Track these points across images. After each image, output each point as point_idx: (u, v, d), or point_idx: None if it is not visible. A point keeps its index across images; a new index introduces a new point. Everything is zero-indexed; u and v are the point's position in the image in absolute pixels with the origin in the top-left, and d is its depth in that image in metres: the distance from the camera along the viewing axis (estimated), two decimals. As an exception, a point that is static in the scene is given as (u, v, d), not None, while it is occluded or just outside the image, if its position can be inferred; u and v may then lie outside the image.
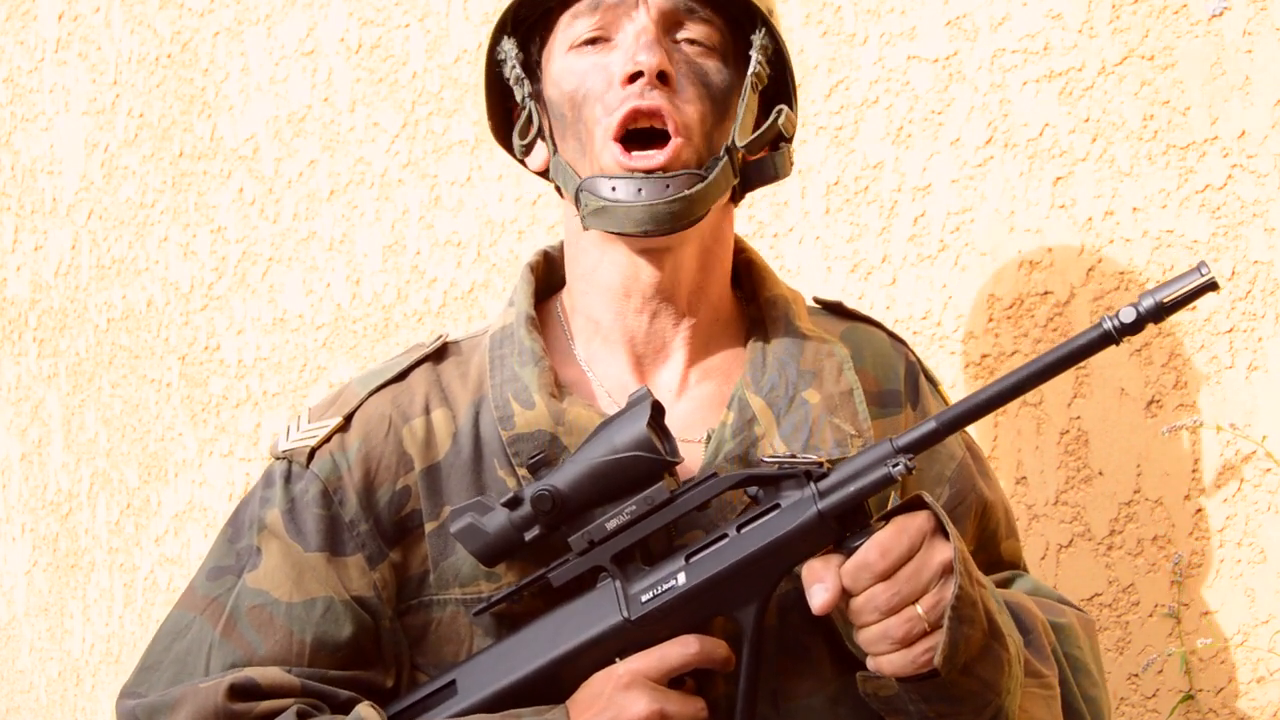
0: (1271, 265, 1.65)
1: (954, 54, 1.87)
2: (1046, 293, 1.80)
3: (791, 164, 1.51)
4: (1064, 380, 1.79)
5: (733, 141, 1.44)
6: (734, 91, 1.46)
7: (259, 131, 2.64)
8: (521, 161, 1.52)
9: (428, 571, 1.43)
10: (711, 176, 1.41)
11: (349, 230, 2.52)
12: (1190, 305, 1.27)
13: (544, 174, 1.51)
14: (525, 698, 1.37)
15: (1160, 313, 1.27)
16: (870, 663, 1.32)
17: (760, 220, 2.03)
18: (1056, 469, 1.80)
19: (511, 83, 1.49)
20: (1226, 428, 1.67)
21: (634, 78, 1.40)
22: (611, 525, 1.37)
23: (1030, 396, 1.82)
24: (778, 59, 1.49)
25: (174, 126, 2.78)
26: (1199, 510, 1.70)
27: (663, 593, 1.36)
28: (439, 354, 1.50)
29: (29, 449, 3.12)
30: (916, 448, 1.32)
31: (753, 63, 1.45)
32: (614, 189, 1.40)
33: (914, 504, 1.33)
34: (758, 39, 1.46)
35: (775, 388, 1.47)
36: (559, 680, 1.37)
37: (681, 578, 1.36)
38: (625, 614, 1.36)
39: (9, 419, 3.16)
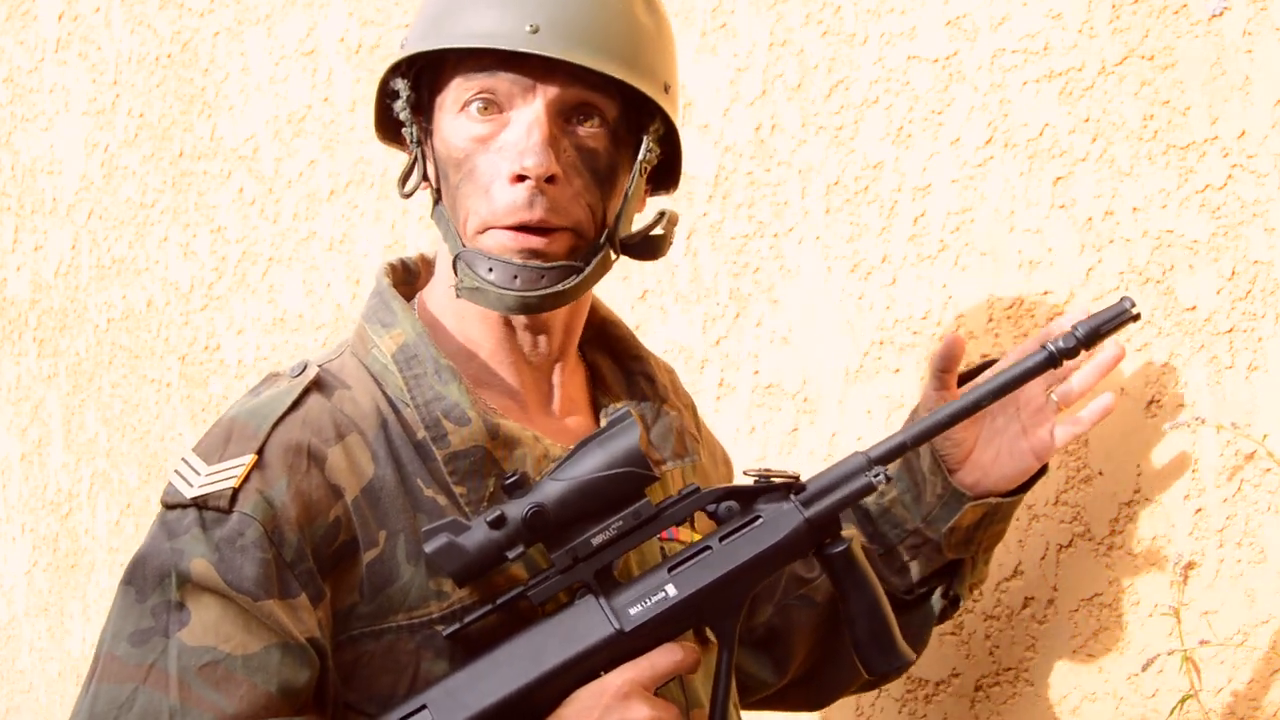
0: (1271, 265, 1.65)
1: (954, 54, 1.87)
2: (1046, 293, 1.80)
3: (671, 243, 1.54)
4: (1064, 380, 1.79)
5: (615, 228, 1.47)
6: (622, 170, 1.48)
7: (259, 131, 2.64)
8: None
9: (355, 604, 1.39)
10: (587, 270, 1.45)
11: (349, 230, 2.52)
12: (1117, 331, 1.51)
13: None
14: (508, 718, 1.36)
15: (1093, 339, 1.49)
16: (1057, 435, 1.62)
17: (760, 220, 2.03)
18: (1056, 469, 1.80)
19: (401, 122, 1.48)
20: (1227, 428, 1.67)
21: (520, 177, 1.41)
22: (597, 541, 1.38)
23: (1030, 396, 1.83)
24: (669, 136, 1.51)
25: (174, 126, 2.78)
26: (1199, 510, 1.70)
27: (653, 604, 1.39)
28: (320, 383, 1.45)
29: (29, 449, 3.12)
30: (888, 459, 1.45)
31: (643, 150, 1.48)
32: (490, 270, 1.42)
33: None
34: (652, 127, 1.48)
35: (646, 400, 1.57)
36: (537, 699, 1.36)
37: (671, 589, 1.39)
38: (618, 625, 1.37)
39: (9, 419, 3.16)
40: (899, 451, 1.45)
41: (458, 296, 1.45)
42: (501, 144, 1.42)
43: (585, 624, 1.37)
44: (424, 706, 1.36)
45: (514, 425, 1.46)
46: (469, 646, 1.39)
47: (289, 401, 1.42)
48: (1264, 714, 1.66)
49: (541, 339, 1.51)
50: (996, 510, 1.65)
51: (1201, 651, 1.69)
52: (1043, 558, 1.81)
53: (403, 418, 1.45)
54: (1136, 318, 1.51)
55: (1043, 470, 1.67)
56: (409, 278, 1.57)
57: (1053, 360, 1.48)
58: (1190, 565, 1.71)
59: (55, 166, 3.01)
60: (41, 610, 3.09)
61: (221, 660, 1.33)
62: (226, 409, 1.46)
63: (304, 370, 1.46)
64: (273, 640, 1.34)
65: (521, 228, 1.42)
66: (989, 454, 1.65)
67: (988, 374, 1.60)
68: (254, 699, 1.32)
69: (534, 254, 1.42)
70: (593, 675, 1.37)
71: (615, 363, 1.61)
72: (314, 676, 1.36)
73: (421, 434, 1.44)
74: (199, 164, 2.74)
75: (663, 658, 1.38)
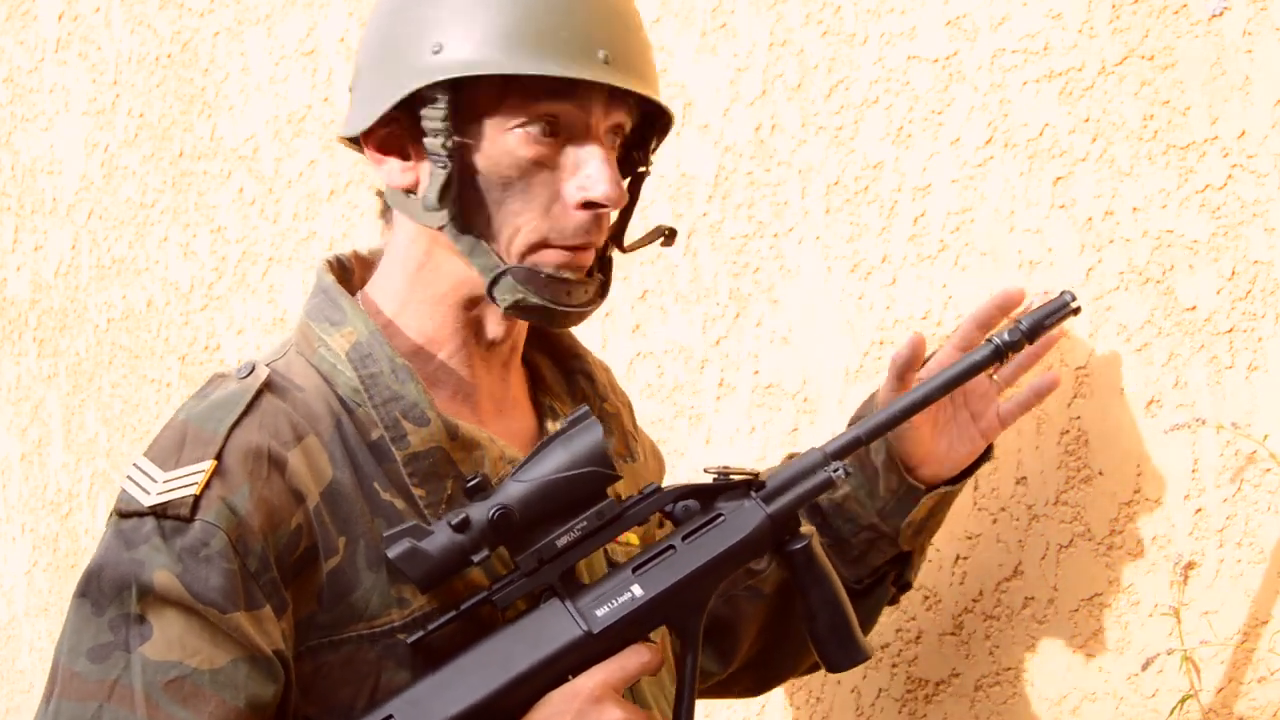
0: (1271, 265, 1.65)
1: (954, 54, 1.87)
2: (1046, 293, 1.80)
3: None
4: (1064, 380, 1.79)
5: (621, 236, 1.51)
6: (624, 179, 1.49)
7: (259, 131, 2.64)
8: (357, 146, 1.49)
9: (314, 613, 1.36)
10: (605, 280, 1.48)
11: (349, 230, 2.52)
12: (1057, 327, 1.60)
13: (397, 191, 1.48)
14: None
15: (1035, 333, 1.57)
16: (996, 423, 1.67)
17: (760, 220, 2.03)
18: (1056, 469, 1.80)
19: (431, 134, 1.41)
20: (1227, 427, 1.67)
21: (589, 205, 1.41)
22: (562, 542, 1.37)
23: (1030, 396, 1.83)
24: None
25: (174, 126, 2.78)
26: (1199, 510, 1.70)
27: (620, 605, 1.38)
28: (272, 384, 1.41)
29: (29, 449, 3.12)
30: (843, 454, 1.47)
31: (649, 167, 1.52)
32: (546, 287, 1.42)
33: None
34: (655, 146, 1.51)
35: (589, 399, 1.57)
36: (505, 704, 1.35)
37: (637, 589, 1.39)
38: (586, 627, 1.36)
39: (9, 419, 3.16)
40: (855, 446, 1.48)
41: (505, 315, 1.44)
42: (562, 166, 1.41)
43: (553, 627, 1.36)
44: (390, 717, 1.34)
45: (472, 426, 1.44)
46: (430, 655, 1.36)
47: (244, 403, 1.38)
48: (1264, 714, 1.66)
49: (505, 345, 1.51)
50: (945, 498, 1.69)
51: (1201, 651, 1.69)
52: (1043, 558, 1.81)
53: (356, 418, 1.41)
54: (1077, 311, 1.59)
55: (988, 452, 1.71)
56: (345, 275, 1.53)
57: (999, 355, 1.55)
58: (1190, 565, 1.71)
59: (55, 166, 3.01)
60: (41, 610, 3.09)
61: (188, 675, 1.29)
62: (175, 411, 1.43)
63: (253, 371, 1.42)
64: (240, 654, 1.31)
65: (582, 248, 1.44)
66: (943, 444, 1.68)
67: (932, 365, 1.65)
68: (223, 714, 1.29)
69: (582, 269, 1.44)
70: (561, 679, 1.36)
71: (554, 361, 1.60)
72: (279, 690, 1.33)
73: (376, 434, 1.41)
74: (199, 164, 2.74)
75: (632, 659, 1.37)
